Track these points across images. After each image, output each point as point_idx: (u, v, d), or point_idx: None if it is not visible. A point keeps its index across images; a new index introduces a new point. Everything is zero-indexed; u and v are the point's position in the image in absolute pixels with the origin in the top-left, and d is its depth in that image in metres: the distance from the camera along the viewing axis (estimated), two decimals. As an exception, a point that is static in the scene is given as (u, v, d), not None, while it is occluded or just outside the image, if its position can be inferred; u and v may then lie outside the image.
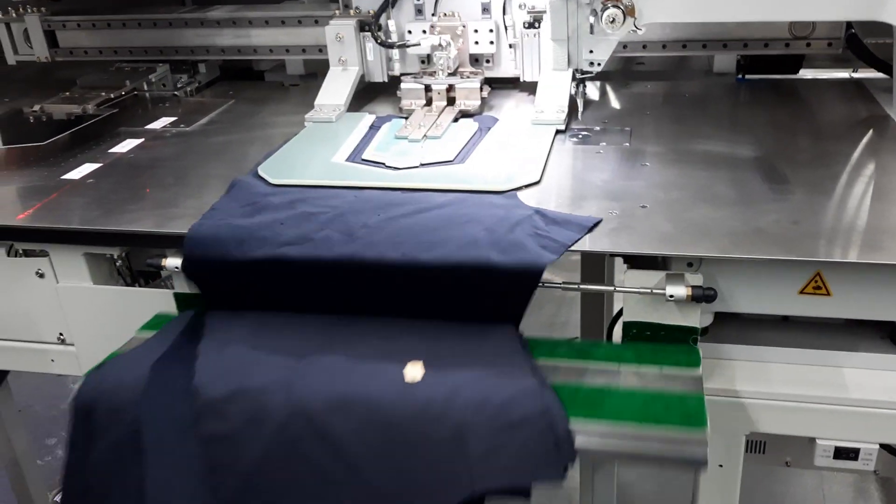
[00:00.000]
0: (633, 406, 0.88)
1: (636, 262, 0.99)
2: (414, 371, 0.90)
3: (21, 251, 1.17)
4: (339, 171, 1.24)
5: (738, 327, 1.07)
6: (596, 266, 1.57)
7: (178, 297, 1.13)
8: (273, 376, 0.92)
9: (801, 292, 0.99)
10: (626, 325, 1.00)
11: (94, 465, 0.92)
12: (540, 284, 0.94)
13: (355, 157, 1.29)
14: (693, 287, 0.94)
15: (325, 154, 1.30)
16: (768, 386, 1.02)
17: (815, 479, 2.48)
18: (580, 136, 1.34)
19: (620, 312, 1.04)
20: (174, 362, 0.96)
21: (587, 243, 0.98)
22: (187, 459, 0.90)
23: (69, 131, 1.52)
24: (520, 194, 1.12)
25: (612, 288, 0.97)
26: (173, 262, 1.07)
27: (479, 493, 0.82)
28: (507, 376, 0.89)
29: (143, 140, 1.45)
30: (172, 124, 1.53)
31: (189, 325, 1.04)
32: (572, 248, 0.97)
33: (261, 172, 1.23)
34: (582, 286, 0.97)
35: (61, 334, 1.21)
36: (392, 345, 0.96)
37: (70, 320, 1.19)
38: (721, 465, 1.07)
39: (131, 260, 1.18)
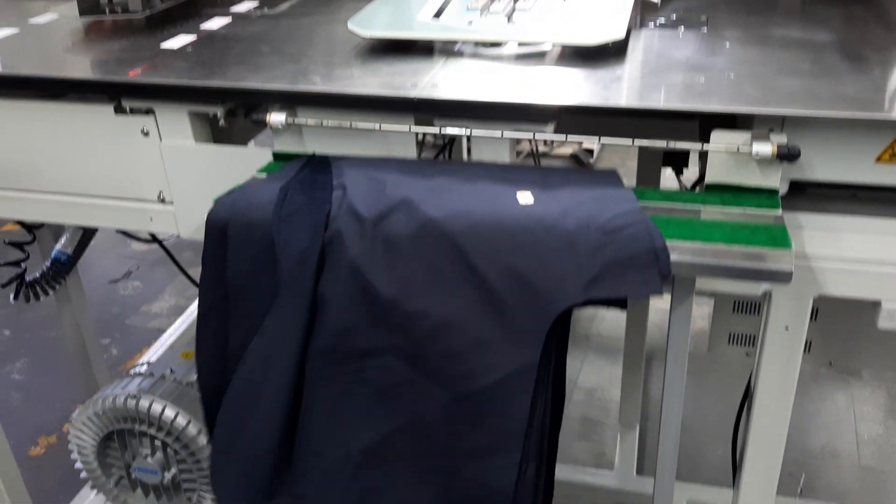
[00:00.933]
0: (721, 231, 0.96)
1: (721, 124, 1.04)
2: (526, 197, 0.98)
3: (128, 109, 1.23)
4: (428, 27, 1.30)
5: (810, 199, 1.12)
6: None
7: (277, 157, 1.20)
8: (405, 193, 1.01)
9: (878, 160, 1.04)
10: (708, 188, 1.06)
11: (230, 278, 1.01)
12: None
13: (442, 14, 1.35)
14: (779, 145, 0.99)
15: (414, 12, 1.36)
16: (838, 251, 1.08)
17: (846, 399, 2.55)
18: (657, 24, 1.38)
19: (697, 182, 1.10)
20: (304, 186, 1.05)
21: (674, 101, 1.04)
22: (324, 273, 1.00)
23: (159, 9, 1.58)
24: (605, 67, 1.17)
25: (699, 145, 1.02)
26: (278, 117, 1.14)
27: (584, 299, 0.89)
28: (612, 201, 0.97)
29: (229, 20, 1.51)
30: (256, 8, 1.58)
31: (310, 162, 1.13)
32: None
33: (350, 26, 1.29)
34: (670, 144, 1.02)
35: (161, 192, 1.28)
36: (506, 176, 1.06)
37: (171, 179, 1.26)
38: (787, 328, 1.13)
39: (233, 120, 1.25)
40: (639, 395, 2.24)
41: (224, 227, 1.03)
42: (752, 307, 1.66)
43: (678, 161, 1.76)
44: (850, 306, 1.54)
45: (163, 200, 1.29)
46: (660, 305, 2.86)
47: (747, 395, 1.27)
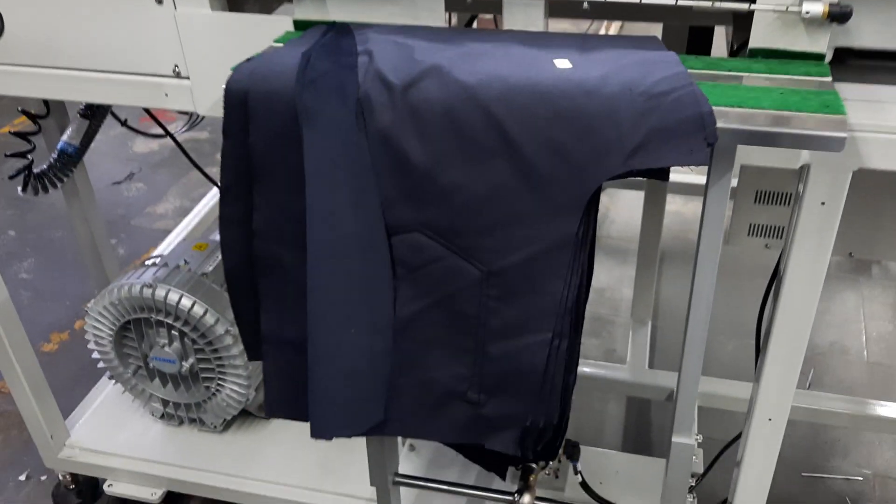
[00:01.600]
0: (770, 97, 0.92)
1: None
2: (564, 62, 0.94)
3: (140, -25, 1.17)
4: None
5: (852, 70, 1.08)
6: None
7: (298, 25, 1.14)
8: (435, 59, 0.95)
9: (928, 23, 0.99)
10: (752, 54, 1.02)
11: (253, 152, 0.97)
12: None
13: None
14: (830, 4, 0.95)
15: None
16: (882, 122, 1.05)
17: (856, 298, 2.56)
18: None
19: (740, 46, 1.06)
20: (327, 51, 1.00)
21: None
22: (348, 147, 0.95)
23: None
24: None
25: (746, 5, 0.97)
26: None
27: (625, 170, 0.86)
28: (656, 64, 0.93)
29: None
30: None
31: (332, 28, 1.07)
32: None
33: None
34: (715, 4, 0.97)
35: (176, 66, 1.23)
36: (542, 42, 1.01)
37: (186, 51, 1.21)
38: (823, 203, 1.11)
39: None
40: (651, 293, 2.24)
41: (244, 97, 0.98)
42: (775, 198, 1.63)
43: (702, 48, 1.71)
44: (873, 194, 1.52)
45: (178, 75, 1.24)
46: (671, 208, 2.84)
47: (772, 282, 1.25)
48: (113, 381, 1.84)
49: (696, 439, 1.26)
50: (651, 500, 1.59)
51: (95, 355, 1.78)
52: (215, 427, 1.84)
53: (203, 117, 2.16)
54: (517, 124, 0.90)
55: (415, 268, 1.00)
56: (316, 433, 1.03)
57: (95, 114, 1.81)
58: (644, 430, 2.15)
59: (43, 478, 2.02)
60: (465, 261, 0.97)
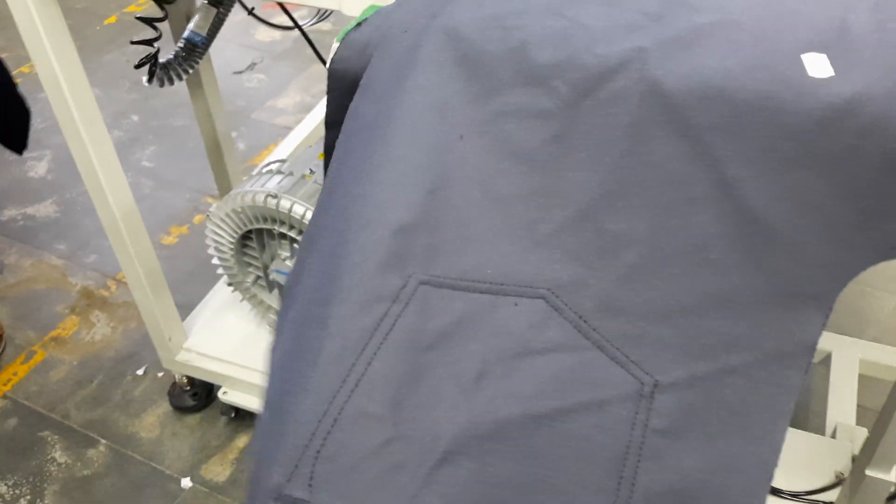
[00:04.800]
0: None
1: None
2: (819, 62, 0.59)
3: None
4: None
5: None
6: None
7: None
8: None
9: None
10: None
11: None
12: None
13: None
14: None
15: None
16: None
17: None
18: None
19: None
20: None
21: None
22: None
23: None
24: None
25: None
26: None
27: None
28: None
29: None
30: None
31: None
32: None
33: None
34: None
35: (321, -43, 1.07)
36: None
37: (334, -61, 1.04)
38: None
39: None
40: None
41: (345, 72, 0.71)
42: None
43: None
44: None
45: (322, -33, 1.08)
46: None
47: None
48: (231, 288, 1.78)
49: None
50: (803, 479, 1.43)
51: (215, 261, 1.72)
52: (332, 345, 1.76)
53: (331, 12, 2.00)
54: (739, 158, 0.57)
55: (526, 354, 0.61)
56: None
57: (223, 1, 1.69)
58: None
59: (160, 374, 2.02)
60: (613, 360, 0.59)
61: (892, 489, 1.01)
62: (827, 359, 1.78)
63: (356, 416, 0.51)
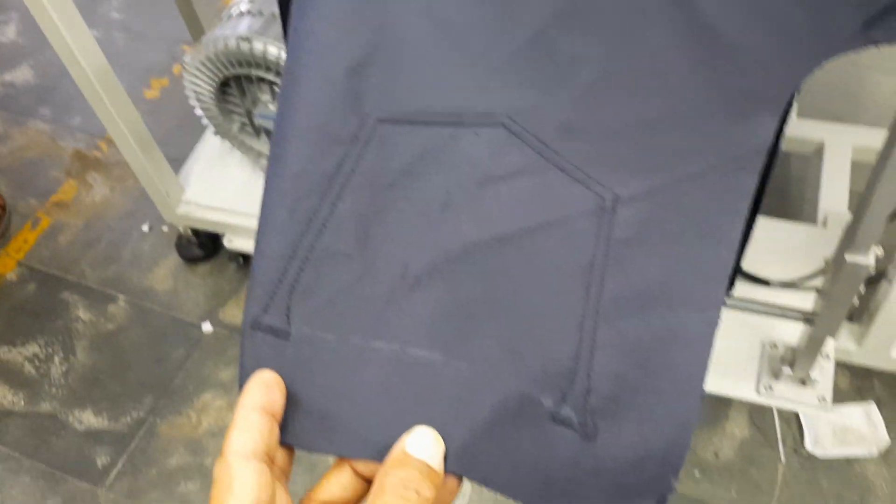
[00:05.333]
0: None
1: None
2: None
3: None
4: None
5: None
6: None
7: None
8: None
9: None
10: None
11: None
12: None
13: None
14: None
15: None
16: None
17: None
18: None
19: None
20: None
21: None
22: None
23: None
24: None
25: None
26: None
27: (863, 43, 0.56)
28: None
29: None
30: None
31: None
32: None
33: None
34: None
35: None
36: None
37: None
38: None
39: None
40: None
41: None
42: None
43: None
44: None
45: None
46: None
47: None
48: (220, 138, 1.77)
49: (876, 253, 1.03)
50: (794, 268, 1.48)
51: (198, 111, 1.70)
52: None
53: None
54: None
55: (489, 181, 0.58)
56: None
57: None
58: (783, 187, 1.98)
59: (165, 228, 2.06)
60: (574, 179, 0.57)
61: (870, 272, 1.05)
62: (820, 148, 1.78)
63: (325, 255, 0.54)
